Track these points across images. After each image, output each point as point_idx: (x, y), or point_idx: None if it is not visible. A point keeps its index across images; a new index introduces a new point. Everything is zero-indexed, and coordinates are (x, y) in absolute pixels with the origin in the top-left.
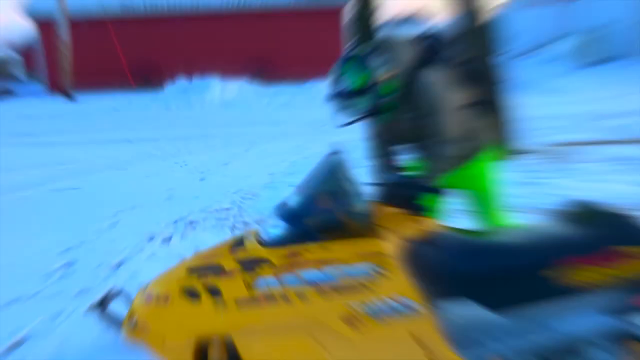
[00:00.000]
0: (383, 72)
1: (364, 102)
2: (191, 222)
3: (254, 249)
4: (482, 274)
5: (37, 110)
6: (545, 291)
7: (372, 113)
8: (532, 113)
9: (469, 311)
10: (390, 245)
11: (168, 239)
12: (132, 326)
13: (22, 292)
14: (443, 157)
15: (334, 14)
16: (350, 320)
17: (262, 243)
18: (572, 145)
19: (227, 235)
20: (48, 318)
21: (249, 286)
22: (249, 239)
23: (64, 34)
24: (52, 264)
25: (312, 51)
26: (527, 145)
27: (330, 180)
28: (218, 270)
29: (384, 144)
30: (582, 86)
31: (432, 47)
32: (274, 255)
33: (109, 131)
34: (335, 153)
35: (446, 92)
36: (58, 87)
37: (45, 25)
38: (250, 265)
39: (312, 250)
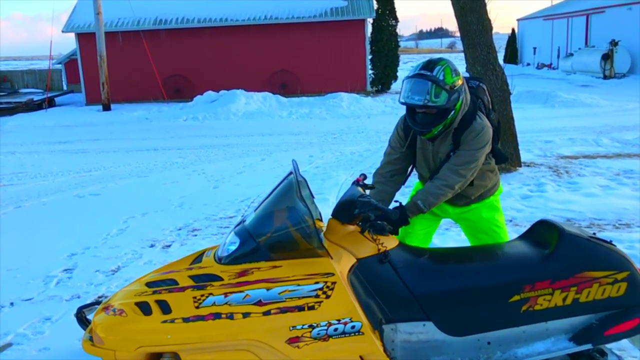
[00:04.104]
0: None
1: (442, 99)
2: (194, 230)
3: (208, 265)
4: (437, 295)
5: (75, 119)
6: (506, 315)
7: (438, 116)
8: (544, 126)
9: (422, 332)
10: (342, 264)
11: (168, 246)
12: (89, 338)
13: (18, 296)
14: (448, 187)
15: (358, 26)
16: (294, 340)
17: (218, 259)
18: (579, 158)
19: None
20: (37, 322)
21: (197, 303)
22: (208, 255)
23: (102, 47)
24: (53, 269)
25: (335, 64)
26: (534, 158)
27: (287, 199)
28: (172, 285)
29: (397, 162)
30: (600, 99)
31: (479, 92)
32: (225, 273)
33: (138, 140)
34: (292, 173)
35: (488, 137)
36: (95, 97)
37: (84, 38)
38: (202, 282)
39: (263, 269)
